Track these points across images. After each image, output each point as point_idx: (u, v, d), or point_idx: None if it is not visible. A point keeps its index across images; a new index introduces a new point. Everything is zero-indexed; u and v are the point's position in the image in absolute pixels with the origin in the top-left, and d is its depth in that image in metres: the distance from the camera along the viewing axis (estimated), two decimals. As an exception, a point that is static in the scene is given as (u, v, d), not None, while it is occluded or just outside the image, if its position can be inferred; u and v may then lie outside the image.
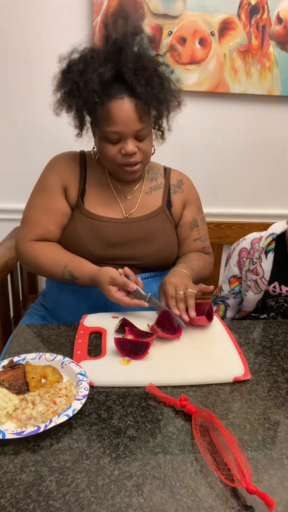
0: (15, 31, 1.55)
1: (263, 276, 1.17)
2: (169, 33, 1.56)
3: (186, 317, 0.95)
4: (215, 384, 0.81)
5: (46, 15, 1.54)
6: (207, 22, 1.56)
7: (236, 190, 1.85)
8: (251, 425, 0.71)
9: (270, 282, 1.17)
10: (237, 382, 0.82)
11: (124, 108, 1.01)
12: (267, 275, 1.17)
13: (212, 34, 1.58)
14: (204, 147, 1.76)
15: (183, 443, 0.66)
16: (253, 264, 1.20)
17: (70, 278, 1.07)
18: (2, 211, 1.74)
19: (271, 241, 1.18)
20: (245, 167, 1.82)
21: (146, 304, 0.99)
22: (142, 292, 1.00)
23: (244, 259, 1.24)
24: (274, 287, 1.16)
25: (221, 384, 0.81)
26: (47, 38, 1.56)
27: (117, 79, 1.01)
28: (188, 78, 1.61)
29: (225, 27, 1.58)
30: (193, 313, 0.96)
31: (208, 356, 0.88)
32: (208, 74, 1.62)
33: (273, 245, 1.18)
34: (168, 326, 0.94)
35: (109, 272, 1.00)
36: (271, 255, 1.17)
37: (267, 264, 1.17)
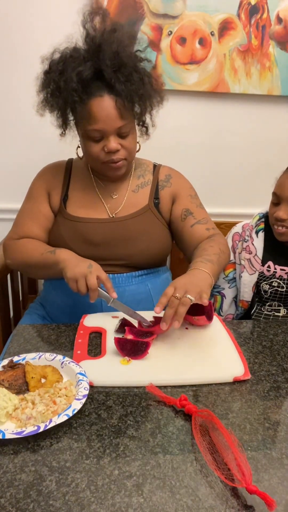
0: (14, 31, 1.55)
1: (256, 254, 1.21)
2: (169, 33, 1.56)
3: (164, 326, 0.88)
4: (215, 384, 0.81)
5: (45, 15, 1.54)
6: (207, 22, 1.56)
7: (236, 190, 1.85)
8: (251, 425, 0.71)
9: (263, 262, 1.21)
10: (237, 382, 0.82)
11: (104, 105, 1.01)
12: (260, 253, 1.21)
13: (212, 34, 1.57)
14: (203, 147, 1.76)
15: (183, 443, 0.66)
16: (246, 242, 1.25)
17: (52, 249, 1.08)
18: (2, 211, 1.74)
19: (259, 221, 1.25)
20: (245, 167, 1.82)
21: (108, 302, 1.00)
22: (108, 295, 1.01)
23: (237, 242, 1.29)
24: (269, 266, 1.20)
25: (221, 384, 0.81)
26: (47, 38, 1.55)
27: (97, 77, 1.01)
28: (188, 78, 1.61)
29: (225, 27, 1.57)
30: (176, 324, 0.87)
31: (208, 356, 0.88)
32: (208, 74, 1.62)
33: (262, 226, 1.24)
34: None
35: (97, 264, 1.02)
36: (261, 234, 1.23)
37: (258, 242, 1.22)
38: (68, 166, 1.23)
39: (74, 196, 1.19)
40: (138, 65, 1.05)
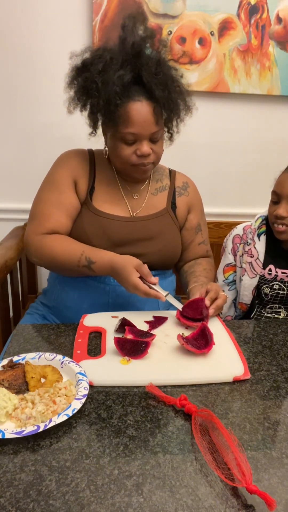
0: (14, 31, 1.55)
1: (257, 258, 1.21)
2: (169, 32, 1.56)
3: (211, 311, 1.01)
4: (215, 383, 0.81)
5: (45, 15, 1.54)
6: (206, 22, 1.56)
7: (235, 190, 1.85)
8: (251, 425, 0.71)
9: (264, 265, 1.21)
10: (237, 382, 0.82)
11: (142, 110, 1.03)
12: (262, 257, 1.21)
13: (212, 34, 1.58)
14: (203, 147, 1.76)
15: (183, 443, 0.66)
16: (248, 245, 1.24)
17: (86, 263, 1.04)
18: (2, 211, 1.74)
19: (261, 224, 1.24)
20: (244, 167, 1.82)
21: (163, 298, 1.00)
22: (161, 289, 1.01)
23: (238, 244, 1.29)
24: (270, 269, 1.20)
25: (221, 383, 0.81)
26: (47, 38, 1.56)
27: (134, 81, 1.03)
28: (188, 78, 1.61)
29: (224, 27, 1.58)
30: (212, 311, 1.02)
31: (208, 355, 0.88)
32: (208, 74, 1.62)
33: (264, 228, 1.23)
34: (192, 314, 0.99)
35: (134, 259, 1.02)
36: (263, 237, 1.22)
37: (260, 245, 1.22)
38: (91, 157, 1.20)
39: (100, 189, 1.17)
40: (173, 74, 1.07)
